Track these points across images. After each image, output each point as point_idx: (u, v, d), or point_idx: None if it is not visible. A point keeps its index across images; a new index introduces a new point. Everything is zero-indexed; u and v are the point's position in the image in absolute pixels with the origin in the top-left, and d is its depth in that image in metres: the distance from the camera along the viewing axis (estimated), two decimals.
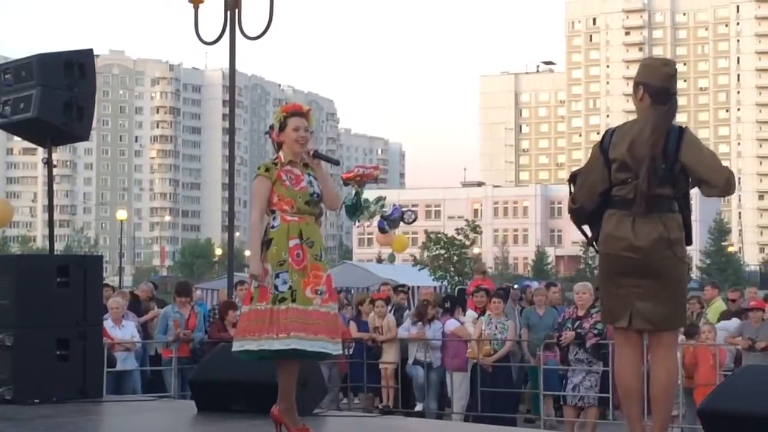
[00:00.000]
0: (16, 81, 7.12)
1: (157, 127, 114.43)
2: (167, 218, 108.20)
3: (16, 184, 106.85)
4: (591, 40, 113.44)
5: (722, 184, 3.87)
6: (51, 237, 7.64)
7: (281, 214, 5.10)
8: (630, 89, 4.54)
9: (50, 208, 7.67)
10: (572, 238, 73.80)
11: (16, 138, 8.22)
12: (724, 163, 4.40)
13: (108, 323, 9.23)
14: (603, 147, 4.10)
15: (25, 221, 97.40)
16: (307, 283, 5.04)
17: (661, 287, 3.97)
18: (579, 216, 4.22)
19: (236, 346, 5.10)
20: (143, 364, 10.15)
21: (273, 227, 5.13)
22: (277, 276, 5.01)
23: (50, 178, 7.60)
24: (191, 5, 10.80)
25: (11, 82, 7.18)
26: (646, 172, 3.91)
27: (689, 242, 4.07)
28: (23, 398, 6.71)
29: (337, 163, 5.90)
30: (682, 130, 3.99)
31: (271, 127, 5.26)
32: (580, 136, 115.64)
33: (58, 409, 6.66)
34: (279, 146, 5.21)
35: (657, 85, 4.07)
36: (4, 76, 7.20)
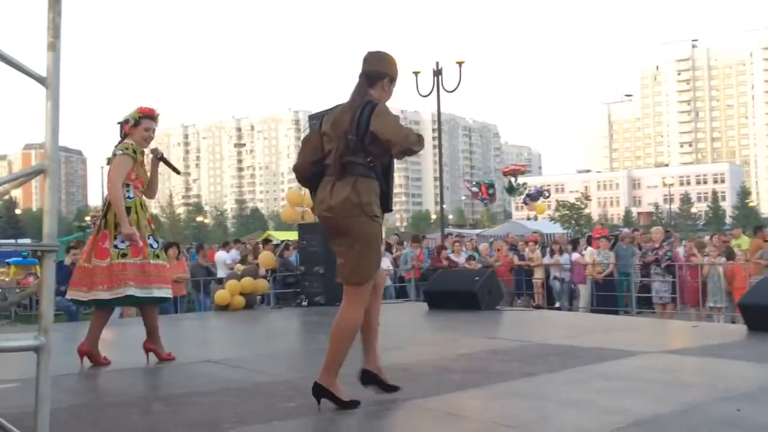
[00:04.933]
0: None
1: None
2: (403, 198, 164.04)
3: None
4: None
5: (401, 140, 3.72)
6: None
7: (134, 189, 5.42)
8: None
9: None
10: (647, 200, 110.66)
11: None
12: None
13: None
14: (322, 121, 4.01)
15: None
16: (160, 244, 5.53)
17: (350, 244, 3.79)
18: (300, 180, 4.09)
19: (120, 292, 5.24)
20: (394, 281, 13.76)
21: (129, 198, 5.38)
22: (148, 237, 5.38)
23: None
24: (413, 74, 17.25)
25: (315, 126, 9.36)
26: (336, 143, 3.82)
27: (387, 209, 3.89)
28: (331, 302, 9.41)
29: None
30: (374, 105, 3.83)
31: (126, 121, 5.54)
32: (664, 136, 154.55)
33: None
34: (125, 136, 5.51)
35: (362, 70, 3.99)
36: (311, 122, 9.02)
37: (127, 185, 5.34)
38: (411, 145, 3.77)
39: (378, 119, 3.78)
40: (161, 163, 5.65)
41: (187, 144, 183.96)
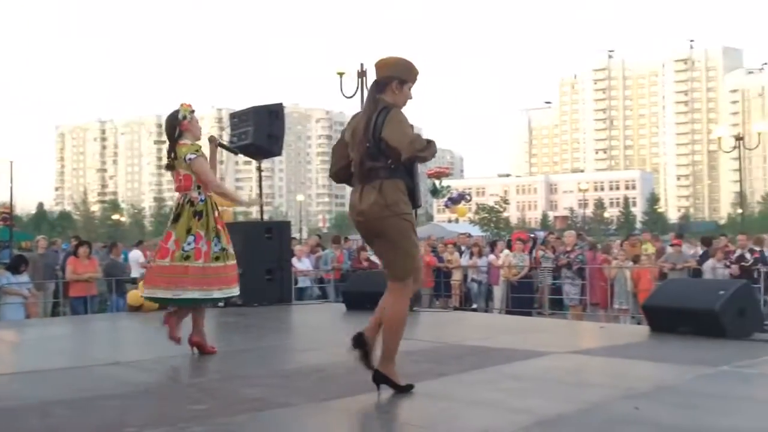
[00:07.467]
0: (240, 122, 9.53)
1: (322, 147, 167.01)
2: (326, 199, 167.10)
3: (240, 182, 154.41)
4: None
5: (405, 148, 3.80)
6: (261, 212, 10.69)
7: (205, 190, 5.55)
8: None
9: (260, 196, 10.08)
10: (564, 205, 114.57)
11: (240, 155, 9.82)
12: None
13: (294, 259, 12.24)
14: (345, 129, 4.20)
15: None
16: (228, 241, 5.60)
17: (386, 242, 3.98)
18: (340, 183, 4.32)
19: (178, 294, 5.40)
20: (314, 282, 13.68)
21: (201, 200, 5.50)
22: (213, 239, 5.44)
23: (260, 178, 10.38)
24: (338, 75, 17.48)
25: (237, 123, 9.55)
26: (356, 151, 4.00)
27: (415, 205, 4.04)
28: (248, 302, 9.33)
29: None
30: (387, 111, 3.93)
31: (184, 117, 5.63)
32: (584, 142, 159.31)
33: (267, 308, 9.36)
34: (180, 134, 5.57)
35: (376, 78, 4.11)
36: (233, 120, 9.69)
37: (199, 187, 5.45)
38: (416, 152, 3.84)
39: (387, 126, 3.88)
40: (219, 148, 5.82)
41: (104, 140, 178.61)
